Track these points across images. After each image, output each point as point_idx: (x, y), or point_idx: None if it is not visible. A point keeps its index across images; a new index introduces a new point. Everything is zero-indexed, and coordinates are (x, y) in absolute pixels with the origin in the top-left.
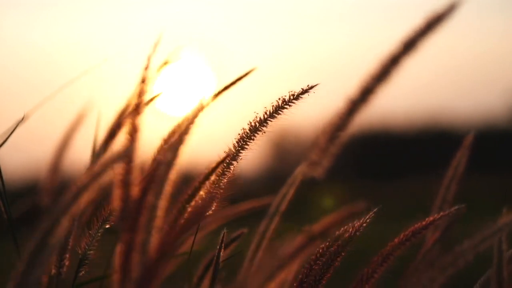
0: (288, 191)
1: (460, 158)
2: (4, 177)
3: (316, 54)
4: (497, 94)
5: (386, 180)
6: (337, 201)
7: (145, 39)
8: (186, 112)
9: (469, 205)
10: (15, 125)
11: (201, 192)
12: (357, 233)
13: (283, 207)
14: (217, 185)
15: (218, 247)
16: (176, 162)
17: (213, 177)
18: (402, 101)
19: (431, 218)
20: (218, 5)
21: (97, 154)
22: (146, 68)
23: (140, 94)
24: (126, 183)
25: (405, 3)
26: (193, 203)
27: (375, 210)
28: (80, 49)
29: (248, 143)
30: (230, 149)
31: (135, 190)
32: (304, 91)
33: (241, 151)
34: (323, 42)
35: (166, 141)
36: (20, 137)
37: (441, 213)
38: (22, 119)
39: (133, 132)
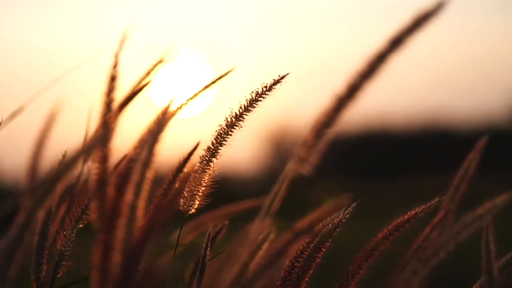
0: (280, 189)
1: (472, 160)
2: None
3: (316, 54)
4: (497, 94)
5: (386, 180)
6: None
7: (145, 39)
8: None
9: (469, 205)
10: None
11: (176, 185)
12: (336, 229)
13: (276, 205)
14: (198, 182)
15: (204, 246)
16: (151, 161)
17: (188, 171)
18: (402, 101)
19: (412, 212)
20: (218, 5)
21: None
22: (115, 66)
23: (109, 92)
24: (102, 182)
25: (405, 3)
26: (169, 197)
27: (353, 205)
28: (79, 49)
29: (226, 139)
30: (208, 146)
31: (111, 190)
32: (276, 82)
33: (220, 147)
34: (323, 42)
35: (141, 140)
36: (20, 136)
37: (422, 207)
38: (15, 112)
39: (106, 131)
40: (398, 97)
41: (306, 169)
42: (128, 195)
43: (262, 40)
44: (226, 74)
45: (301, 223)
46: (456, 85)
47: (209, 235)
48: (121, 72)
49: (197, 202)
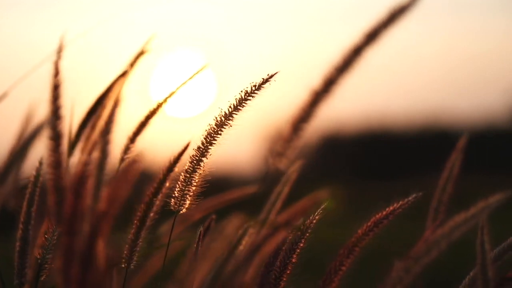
0: (282, 189)
1: (455, 160)
2: None
3: (316, 53)
4: (497, 94)
5: (386, 180)
6: (336, 201)
7: (145, 38)
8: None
9: (469, 205)
10: None
11: (167, 184)
12: (309, 230)
13: (278, 204)
14: (188, 182)
15: (195, 245)
16: (106, 162)
17: (178, 171)
18: (402, 101)
19: (391, 208)
20: (219, 5)
21: (72, 145)
22: (56, 75)
23: (54, 100)
24: (57, 187)
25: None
26: (160, 196)
27: (323, 205)
28: (79, 49)
29: (216, 138)
30: (198, 146)
31: (68, 195)
32: (265, 81)
33: (209, 146)
34: (323, 42)
35: (94, 142)
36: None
37: (400, 203)
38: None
39: (56, 138)
40: (398, 97)
41: (283, 164)
42: (86, 199)
43: (262, 40)
44: (201, 70)
45: (279, 218)
46: (456, 85)
47: (200, 233)
48: (64, 79)
49: (188, 202)
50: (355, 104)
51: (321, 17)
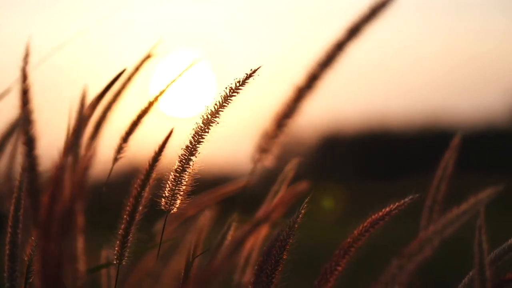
0: (279, 188)
1: (448, 159)
2: None
3: (315, 53)
4: (497, 94)
5: (385, 180)
6: (336, 201)
7: (145, 38)
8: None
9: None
10: None
11: (154, 175)
12: (295, 226)
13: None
14: (178, 181)
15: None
16: (78, 165)
17: (167, 170)
18: (402, 101)
19: (387, 209)
20: (219, 5)
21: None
22: (24, 80)
23: (24, 105)
24: (32, 191)
25: (405, 3)
26: (147, 188)
27: (307, 201)
28: (79, 49)
29: (203, 136)
30: (187, 145)
31: (44, 198)
32: (248, 76)
33: (198, 145)
34: (323, 42)
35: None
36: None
37: (397, 204)
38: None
39: (29, 142)
40: (398, 97)
41: (268, 160)
42: (63, 201)
43: (262, 40)
44: (191, 66)
45: (259, 213)
46: (456, 85)
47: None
48: (32, 85)
49: (178, 201)
50: (355, 104)
51: (321, 17)
